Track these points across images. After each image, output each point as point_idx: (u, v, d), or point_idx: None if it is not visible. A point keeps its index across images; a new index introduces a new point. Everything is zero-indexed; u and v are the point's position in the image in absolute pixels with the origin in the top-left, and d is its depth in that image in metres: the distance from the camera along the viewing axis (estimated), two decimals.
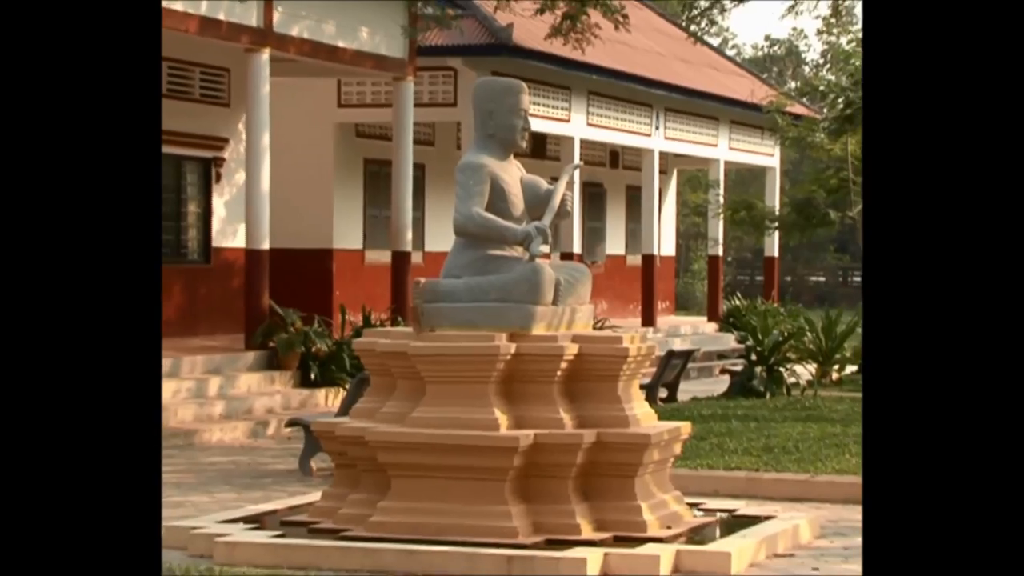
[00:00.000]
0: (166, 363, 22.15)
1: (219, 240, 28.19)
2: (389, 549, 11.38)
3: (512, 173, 12.96)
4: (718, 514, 13.35)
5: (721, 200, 39.07)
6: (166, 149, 26.90)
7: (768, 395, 24.75)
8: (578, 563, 10.96)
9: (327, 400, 23.24)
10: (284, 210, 27.59)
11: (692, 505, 13.19)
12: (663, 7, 46.14)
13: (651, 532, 11.95)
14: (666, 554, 11.34)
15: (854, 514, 13.51)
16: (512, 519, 11.70)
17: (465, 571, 10.84)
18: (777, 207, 38.81)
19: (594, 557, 11.10)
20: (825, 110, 32.46)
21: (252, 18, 24.76)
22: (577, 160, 30.66)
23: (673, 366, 24.19)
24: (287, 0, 25.34)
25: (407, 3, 27.95)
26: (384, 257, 30.02)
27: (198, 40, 24.86)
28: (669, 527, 12.26)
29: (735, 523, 12.94)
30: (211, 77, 27.90)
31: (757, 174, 48.18)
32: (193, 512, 13.89)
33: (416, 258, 29.63)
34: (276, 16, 25.17)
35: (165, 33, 24.24)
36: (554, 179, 13.36)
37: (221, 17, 24.13)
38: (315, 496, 13.51)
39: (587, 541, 11.64)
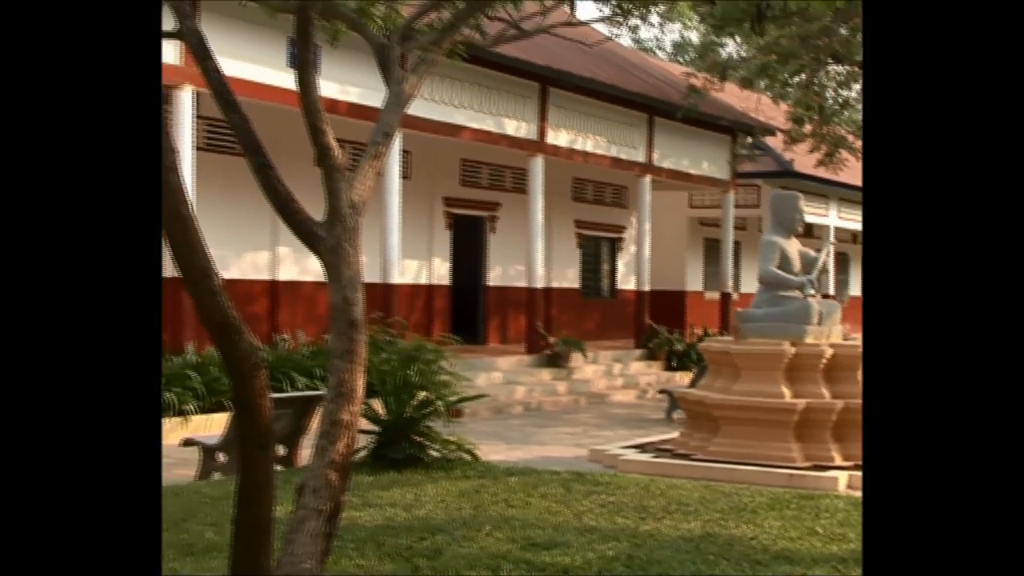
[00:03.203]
0: (591, 354, 22.31)
1: (620, 285, 28.32)
2: (718, 467, 11.29)
3: (793, 246, 12.84)
4: None
5: None
6: (591, 232, 27.22)
7: None
8: (833, 480, 10.74)
9: (681, 379, 23.07)
10: (657, 267, 27.56)
11: None
12: None
13: None
14: None
15: None
16: (792, 452, 11.50)
17: (763, 482, 10.65)
18: None
19: (843, 476, 10.85)
20: None
21: (640, 156, 24.86)
22: (832, 239, 29.92)
23: None
24: (661, 146, 25.42)
25: (731, 147, 27.80)
26: (715, 296, 29.74)
27: (610, 170, 25.08)
28: None
29: None
30: (616, 191, 28.06)
31: None
32: (604, 441, 13.92)
33: (735, 296, 29.23)
34: (654, 155, 25.23)
35: (591, 167, 24.51)
36: (818, 251, 13.08)
37: (623, 157, 24.31)
38: (674, 435, 13.43)
39: (839, 466, 11.37)
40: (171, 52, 14.60)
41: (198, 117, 16.00)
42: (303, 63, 5.87)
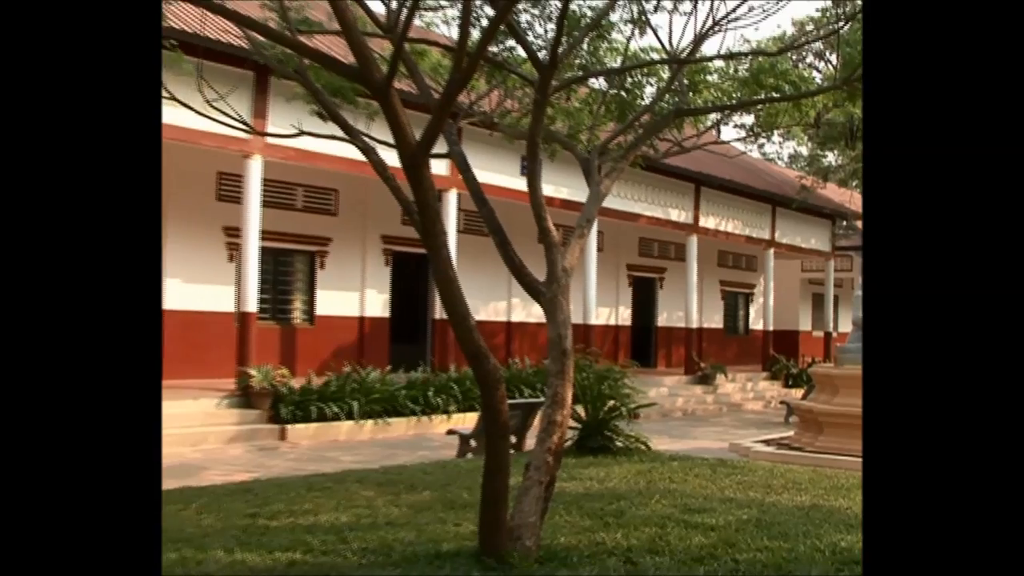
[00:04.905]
0: (731, 375, 21.65)
1: (752, 326, 27.42)
2: (823, 458, 10.68)
3: None
4: None
5: None
6: (731, 288, 26.53)
7: None
8: None
9: (795, 393, 22.14)
10: (778, 313, 26.71)
11: None
12: None
13: None
14: None
15: None
16: None
17: (855, 468, 10.03)
18: None
19: None
20: None
21: (766, 235, 24.16)
22: None
23: None
24: (780, 227, 24.65)
25: (832, 228, 26.79)
26: (820, 334, 28.51)
27: (744, 245, 24.42)
28: None
29: None
30: (749, 259, 27.28)
31: None
32: (740, 437, 13.43)
33: (834, 334, 27.95)
34: (776, 234, 24.49)
35: (731, 243, 23.93)
36: None
37: (754, 235, 23.67)
38: (790, 433, 12.85)
39: None
40: (442, 165, 15.11)
41: (460, 210, 16.46)
42: (531, 172, 5.93)
